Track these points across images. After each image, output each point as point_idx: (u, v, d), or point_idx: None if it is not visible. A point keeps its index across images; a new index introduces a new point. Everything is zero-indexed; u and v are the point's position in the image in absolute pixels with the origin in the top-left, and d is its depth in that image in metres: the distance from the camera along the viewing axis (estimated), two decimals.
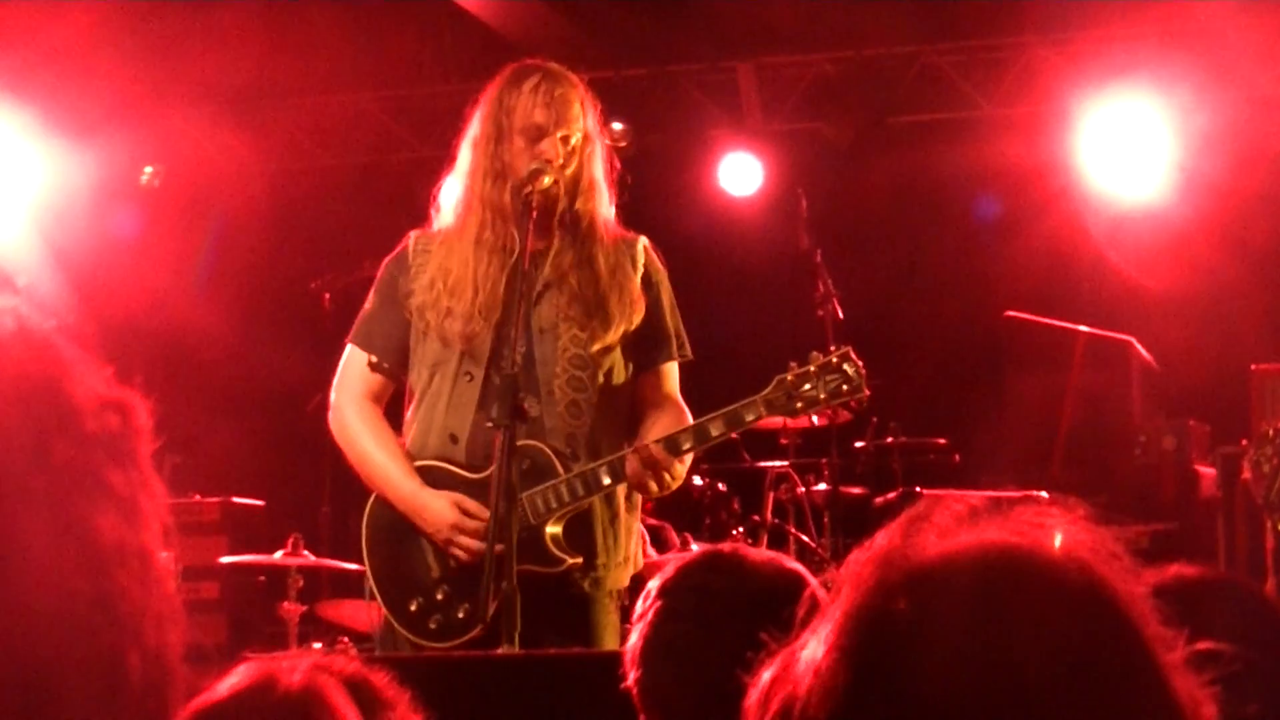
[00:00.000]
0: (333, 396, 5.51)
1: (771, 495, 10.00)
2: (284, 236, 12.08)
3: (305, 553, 8.65)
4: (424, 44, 11.60)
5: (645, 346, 5.35)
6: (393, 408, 5.53)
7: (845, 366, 5.03)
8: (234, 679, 2.15)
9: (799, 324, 9.12)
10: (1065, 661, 1.35)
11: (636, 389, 5.36)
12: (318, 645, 8.66)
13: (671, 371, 5.41)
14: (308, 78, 11.69)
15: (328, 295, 10.39)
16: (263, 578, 9.36)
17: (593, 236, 5.27)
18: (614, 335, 5.22)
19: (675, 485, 5.16)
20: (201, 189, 12.21)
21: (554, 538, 5.11)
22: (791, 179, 10.75)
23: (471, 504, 5.13)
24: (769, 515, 9.92)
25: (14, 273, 9.98)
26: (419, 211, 11.98)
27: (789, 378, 5.03)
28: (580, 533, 5.17)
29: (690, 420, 5.22)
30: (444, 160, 11.95)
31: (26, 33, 10.20)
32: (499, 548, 4.76)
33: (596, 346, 5.20)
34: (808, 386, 5.02)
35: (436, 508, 5.18)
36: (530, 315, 5.23)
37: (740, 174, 11.48)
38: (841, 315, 9.26)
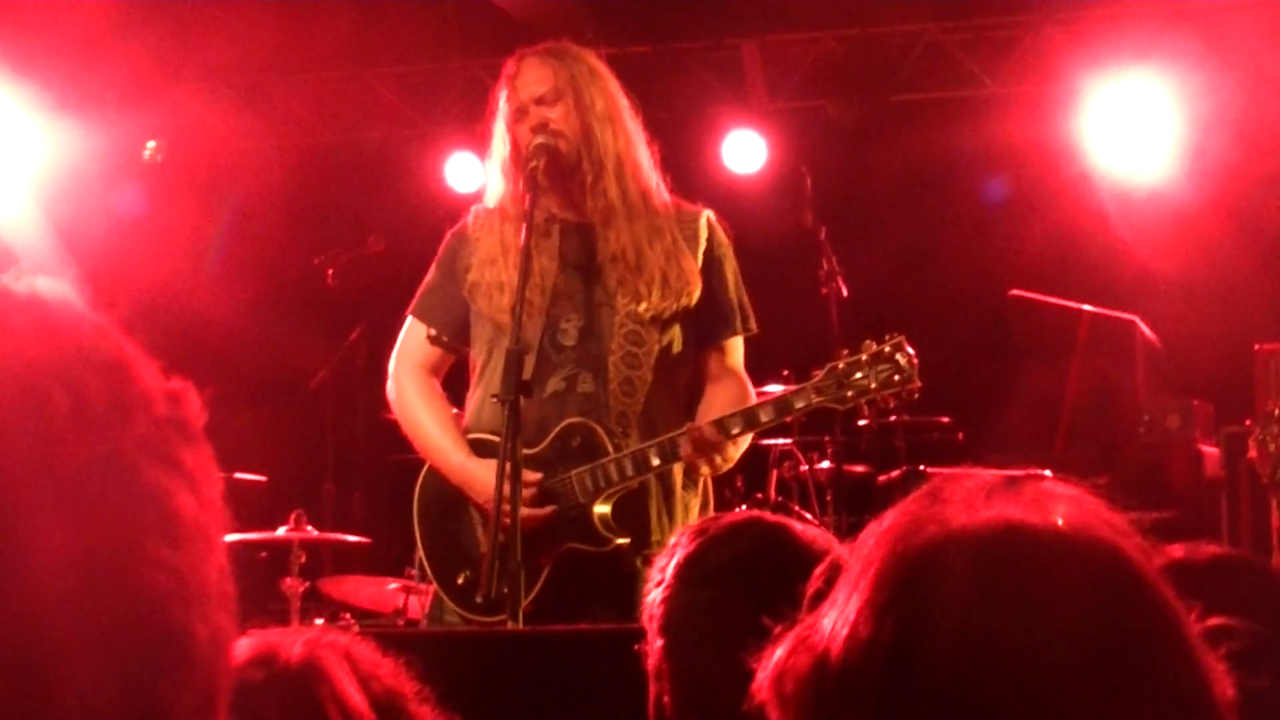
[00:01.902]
0: (391, 366, 5.57)
1: (775, 473, 10.00)
2: (288, 213, 12.06)
3: (309, 528, 8.65)
4: (429, 21, 11.58)
5: (707, 322, 5.33)
6: (453, 380, 5.59)
7: (898, 356, 5.00)
8: (235, 652, 2.14)
9: (803, 302, 9.11)
10: (1096, 634, 1.36)
11: (699, 365, 5.36)
12: (320, 621, 8.66)
13: (735, 347, 5.39)
14: (314, 55, 11.67)
15: (331, 271, 10.38)
16: (265, 554, 9.35)
17: (644, 208, 5.27)
18: (670, 311, 5.20)
19: (727, 466, 5.16)
20: (207, 166, 12.19)
21: (602, 517, 5.11)
22: (796, 157, 10.74)
23: (524, 473, 5.12)
24: (773, 493, 9.92)
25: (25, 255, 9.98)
26: (422, 188, 12.02)
27: (840, 365, 5.00)
28: (632, 512, 5.17)
29: (752, 394, 5.28)
30: (450, 137, 11.99)
31: (34, 10, 10.18)
32: (506, 523, 4.78)
33: (652, 322, 5.19)
34: (859, 375, 4.99)
35: (484, 478, 5.18)
36: (589, 289, 5.24)
37: (744, 152, 11.47)
38: (845, 293, 9.25)
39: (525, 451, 5.09)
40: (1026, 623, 1.36)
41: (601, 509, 5.12)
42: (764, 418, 5.04)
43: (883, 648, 1.39)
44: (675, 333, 5.24)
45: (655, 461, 5.05)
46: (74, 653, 1.08)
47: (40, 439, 1.09)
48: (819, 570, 1.63)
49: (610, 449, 5.10)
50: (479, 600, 5.18)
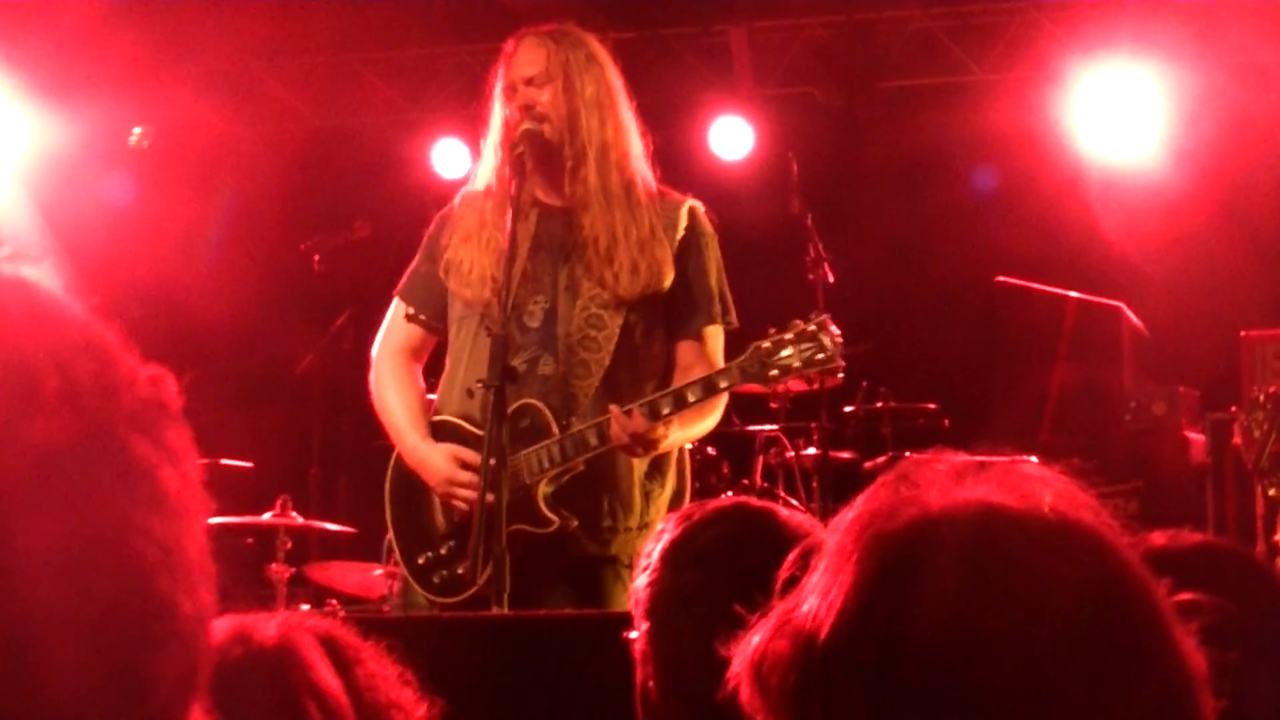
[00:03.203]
0: (374, 349, 5.56)
1: (761, 459, 10.01)
2: (276, 199, 12.05)
3: (294, 514, 8.64)
4: (418, 7, 11.56)
5: (680, 311, 5.32)
6: (434, 365, 5.61)
7: (821, 335, 4.98)
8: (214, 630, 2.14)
9: (790, 288, 9.11)
10: (1080, 611, 1.38)
11: (674, 354, 5.34)
12: (305, 607, 8.66)
13: (712, 337, 5.36)
14: (303, 41, 11.65)
15: (317, 257, 10.37)
16: (250, 539, 9.35)
17: (624, 197, 5.26)
18: (635, 296, 5.20)
19: (660, 449, 5.15)
20: (195, 152, 12.17)
21: (546, 498, 5.12)
22: (783, 143, 10.74)
23: (469, 455, 5.16)
24: (758, 479, 9.92)
25: (26, 246, 9.97)
26: (410, 174, 12.00)
27: (765, 345, 5.00)
28: (581, 495, 5.17)
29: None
30: (438, 123, 11.97)
31: None
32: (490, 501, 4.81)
33: (616, 307, 5.19)
34: (784, 354, 4.98)
35: (434, 461, 5.23)
36: (558, 272, 5.25)
37: (731, 138, 11.46)
38: (832, 279, 9.25)
39: (479, 433, 5.12)
40: (1013, 602, 1.37)
41: (545, 490, 5.13)
42: (691, 398, 5.03)
43: (872, 629, 1.40)
44: (641, 318, 5.24)
45: (593, 442, 5.06)
46: (61, 623, 1.10)
47: (32, 416, 1.11)
48: (791, 557, 1.63)
49: (555, 430, 5.11)
50: (436, 581, 5.23)
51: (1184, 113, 10.73)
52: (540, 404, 5.13)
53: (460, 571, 5.15)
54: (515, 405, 5.11)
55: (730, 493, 9.45)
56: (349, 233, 10.40)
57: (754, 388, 9.63)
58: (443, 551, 5.26)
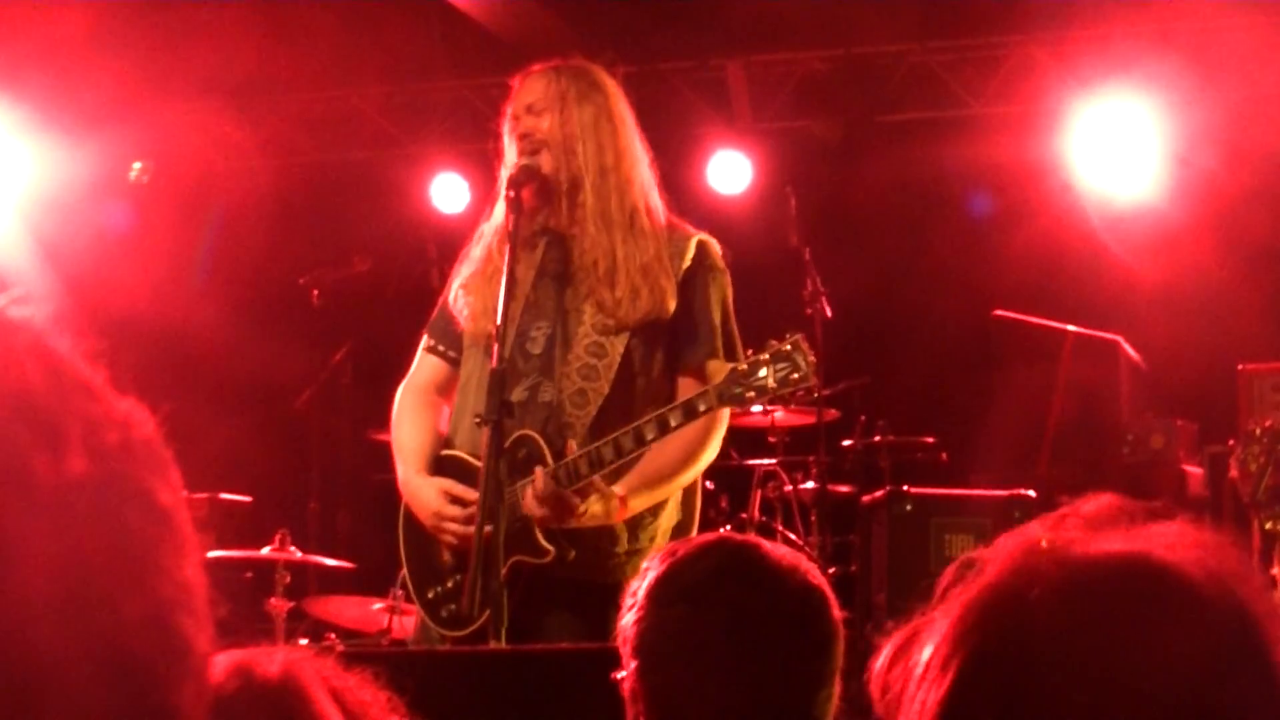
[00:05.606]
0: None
1: (759, 493, 10.00)
2: (274, 232, 12.06)
3: (293, 548, 8.64)
4: (416, 41, 11.59)
5: (681, 342, 5.25)
6: None
7: (795, 355, 4.94)
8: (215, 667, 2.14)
9: (787, 323, 9.08)
10: (1189, 687, 1.34)
11: (677, 389, 5.24)
12: (304, 641, 8.65)
13: (715, 374, 5.19)
14: (300, 74, 11.68)
15: (316, 291, 10.38)
16: (249, 573, 9.34)
17: (626, 224, 5.23)
18: (636, 321, 5.16)
19: (592, 519, 5.05)
20: (193, 184, 12.19)
21: (542, 528, 5.10)
22: (781, 177, 10.75)
23: (460, 490, 5.12)
24: (756, 513, 9.92)
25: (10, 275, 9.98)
26: (408, 208, 12.00)
27: (742, 367, 4.94)
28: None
29: (718, 427, 5.18)
30: (435, 157, 11.99)
31: (20, 27, 10.18)
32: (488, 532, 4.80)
33: (616, 332, 5.15)
34: (760, 374, 4.93)
35: (425, 495, 5.21)
36: (560, 300, 5.25)
37: (729, 172, 11.47)
38: (830, 313, 9.26)
39: (479, 464, 5.08)
40: (1116, 672, 1.35)
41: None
42: (674, 422, 4.95)
43: (955, 670, 1.39)
44: (641, 345, 5.19)
45: (584, 471, 4.99)
46: (86, 665, 1.09)
47: (62, 460, 1.10)
48: (952, 566, 1.59)
49: (549, 460, 5.08)
50: (444, 615, 5.21)
51: (1181, 145, 10.75)
52: (536, 435, 5.11)
53: (461, 605, 5.13)
54: (514, 436, 5.09)
55: (728, 526, 9.46)
56: (348, 267, 10.42)
57: (754, 421, 9.67)
58: (449, 585, 5.24)
